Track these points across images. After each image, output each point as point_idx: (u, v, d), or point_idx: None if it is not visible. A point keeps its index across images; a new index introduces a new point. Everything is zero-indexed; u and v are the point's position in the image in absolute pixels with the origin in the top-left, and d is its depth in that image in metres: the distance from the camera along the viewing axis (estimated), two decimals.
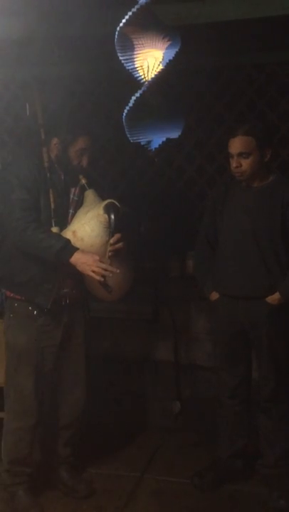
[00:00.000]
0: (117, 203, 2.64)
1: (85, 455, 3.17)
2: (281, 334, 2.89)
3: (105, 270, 2.57)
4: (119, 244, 2.64)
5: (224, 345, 3.04)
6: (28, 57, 3.30)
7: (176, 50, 1.92)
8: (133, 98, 1.95)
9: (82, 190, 2.77)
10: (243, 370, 3.00)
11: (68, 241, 2.61)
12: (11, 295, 2.80)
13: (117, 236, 2.62)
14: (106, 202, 2.64)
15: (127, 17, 1.85)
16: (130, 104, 1.95)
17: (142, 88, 1.93)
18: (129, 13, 1.85)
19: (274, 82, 3.69)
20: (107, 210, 2.61)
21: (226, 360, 3.03)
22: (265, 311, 2.84)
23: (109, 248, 2.62)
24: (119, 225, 2.61)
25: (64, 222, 2.73)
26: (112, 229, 2.61)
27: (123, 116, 2.00)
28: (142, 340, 3.78)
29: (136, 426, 3.69)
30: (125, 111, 1.98)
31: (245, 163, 2.80)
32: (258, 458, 3.04)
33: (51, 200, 2.69)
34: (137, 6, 1.84)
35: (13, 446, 2.84)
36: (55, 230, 2.68)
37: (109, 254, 2.62)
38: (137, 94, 1.94)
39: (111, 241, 2.62)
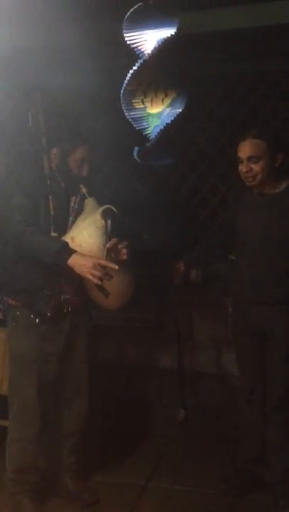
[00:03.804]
0: (114, 209, 2.64)
1: (90, 463, 3.16)
2: None
3: (104, 273, 2.54)
4: (116, 249, 2.63)
5: (241, 350, 3.03)
6: (31, 66, 3.32)
7: (174, 30, 1.95)
8: (130, 72, 1.99)
9: (83, 198, 2.78)
10: (259, 374, 2.95)
11: (66, 243, 2.60)
12: (13, 303, 2.80)
13: (113, 241, 2.62)
14: (103, 208, 2.65)
15: (135, 7, 1.93)
16: (127, 79, 2.00)
17: (138, 62, 1.97)
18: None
19: (277, 90, 3.71)
20: (104, 215, 2.62)
21: (243, 364, 3.02)
22: (279, 316, 2.82)
23: (106, 253, 2.62)
24: (115, 230, 2.61)
25: (63, 230, 2.73)
26: (108, 234, 2.61)
27: (121, 93, 2.05)
28: (145, 347, 3.77)
29: (140, 434, 3.68)
30: (122, 88, 2.03)
31: (256, 167, 2.76)
32: (264, 466, 3.02)
33: (50, 207, 2.70)
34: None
35: (17, 454, 2.84)
36: (53, 235, 2.69)
37: (107, 259, 2.62)
38: (131, 71, 1.98)
39: (107, 246, 2.62)
